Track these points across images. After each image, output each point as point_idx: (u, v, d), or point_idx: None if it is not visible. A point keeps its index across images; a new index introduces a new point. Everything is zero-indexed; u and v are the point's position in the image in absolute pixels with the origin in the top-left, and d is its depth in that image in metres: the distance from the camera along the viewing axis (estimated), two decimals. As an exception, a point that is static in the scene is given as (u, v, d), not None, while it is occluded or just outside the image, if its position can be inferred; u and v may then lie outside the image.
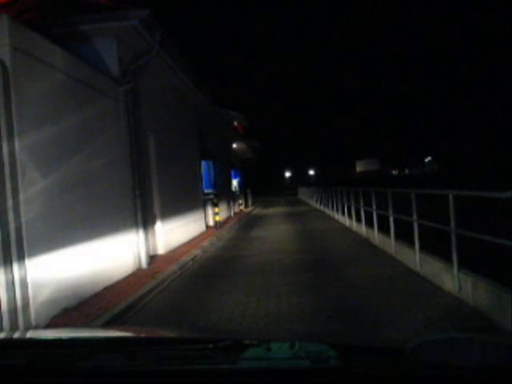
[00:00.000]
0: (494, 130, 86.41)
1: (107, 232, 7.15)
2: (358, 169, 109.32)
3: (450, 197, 5.50)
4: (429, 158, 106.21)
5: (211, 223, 15.84)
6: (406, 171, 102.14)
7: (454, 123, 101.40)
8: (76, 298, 5.89)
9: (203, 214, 15.24)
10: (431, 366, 1.06)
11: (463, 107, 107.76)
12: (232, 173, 26.32)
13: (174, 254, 10.15)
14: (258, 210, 28.39)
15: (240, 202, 26.48)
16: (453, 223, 5.47)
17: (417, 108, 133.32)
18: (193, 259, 9.64)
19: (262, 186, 57.13)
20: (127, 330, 2.18)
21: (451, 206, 5.46)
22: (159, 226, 10.11)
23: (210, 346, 1.26)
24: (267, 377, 1.12)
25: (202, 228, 14.77)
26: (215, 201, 15.14)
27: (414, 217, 6.99)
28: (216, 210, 15.08)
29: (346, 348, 1.24)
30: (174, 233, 11.11)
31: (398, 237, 8.40)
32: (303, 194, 40.25)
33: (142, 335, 1.74)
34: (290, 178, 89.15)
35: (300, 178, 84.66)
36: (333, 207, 18.29)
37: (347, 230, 13.50)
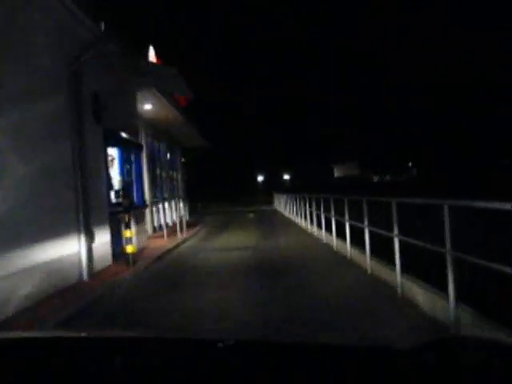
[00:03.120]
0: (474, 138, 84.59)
1: None
2: (337, 174, 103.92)
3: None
4: (409, 164, 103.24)
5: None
6: (387, 177, 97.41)
7: (436, 130, 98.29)
8: None
9: (108, 238, 9.65)
10: (431, 366, 1.06)
11: (447, 116, 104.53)
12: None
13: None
14: (194, 242, 14.53)
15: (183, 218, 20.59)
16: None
17: (399, 115, 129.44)
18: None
19: (228, 191, 50.71)
20: (127, 331, 2.10)
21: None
22: None
23: (210, 346, 1.30)
24: (267, 377, 1.09)
25: (106, 262, 9.20)
26: (126, 219, 9.55)
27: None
28: (128, 233, 9.45)
29: (345, 348, 1.25)
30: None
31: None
32: (281, 203, 29.48)
33: (143, 335, 1.70)
34: (263, 182, 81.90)
35: (275, 182, 78.46)
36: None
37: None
